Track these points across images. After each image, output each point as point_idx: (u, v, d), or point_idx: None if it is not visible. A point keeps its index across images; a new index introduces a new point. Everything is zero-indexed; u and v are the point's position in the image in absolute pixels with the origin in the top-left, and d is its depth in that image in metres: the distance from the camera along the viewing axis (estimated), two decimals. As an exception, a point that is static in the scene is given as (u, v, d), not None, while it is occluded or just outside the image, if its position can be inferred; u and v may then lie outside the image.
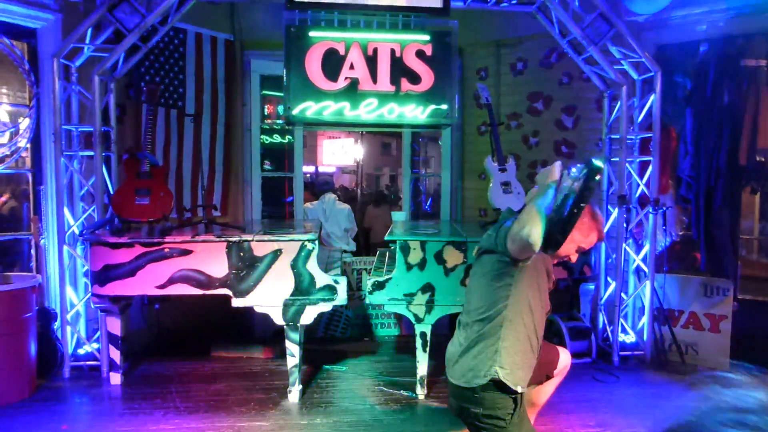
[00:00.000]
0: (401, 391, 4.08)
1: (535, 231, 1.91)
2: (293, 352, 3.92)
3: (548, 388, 2.88)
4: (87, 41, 4.28)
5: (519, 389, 2.18)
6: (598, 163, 1.93)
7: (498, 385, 2.16)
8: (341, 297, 3.90)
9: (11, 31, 4.28)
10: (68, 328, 4.33)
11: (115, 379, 4.16)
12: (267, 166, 6.30)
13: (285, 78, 4.42)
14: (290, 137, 6.34)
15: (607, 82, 4.80)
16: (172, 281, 3.82)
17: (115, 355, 4.15)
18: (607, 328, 4.89)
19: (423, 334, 3.95)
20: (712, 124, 4.73)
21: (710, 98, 4.72)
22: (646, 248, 4.73)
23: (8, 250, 4.50)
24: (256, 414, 3.69)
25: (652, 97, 4.61)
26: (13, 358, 3.83)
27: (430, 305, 3.92)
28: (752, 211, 5.37)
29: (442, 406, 3.85)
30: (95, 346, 4.41)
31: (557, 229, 1.99)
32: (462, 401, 2.24)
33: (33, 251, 4.49)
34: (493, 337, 2.19)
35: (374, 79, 4.43)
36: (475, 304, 2.28)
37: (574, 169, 2.04)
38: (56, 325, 4.34)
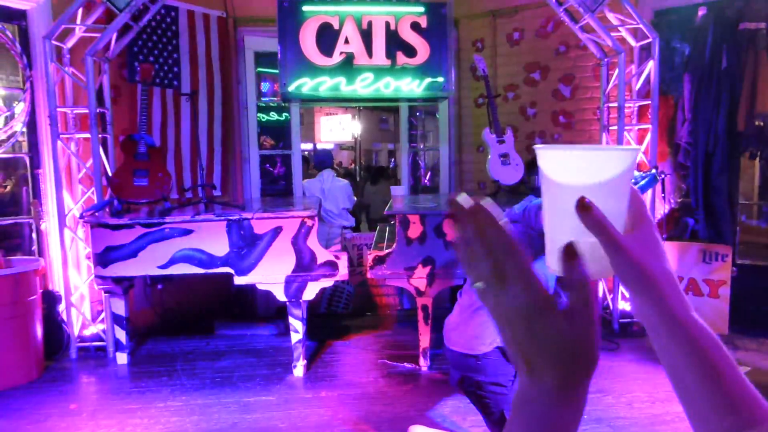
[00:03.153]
0: (404, 364, 4.14)
1: None
2: (296, 327, 3.96)
3: None
4: (78, 21, 4.23)
5: None
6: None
7: (502, 352, 2.19)
8: (342, 272, 3.93)
9: (1, 13, 4.23)
10: (73, 310, 4.37)
11: (122, 358, 4.22)
12: (266, 143, 6.28)
13: (280, 54, 4.39)
14: (287, 114, 6.31)
15: (605, 50, 4.76)
16: (173, 261, 3.84)
17: (121, 335, 4.20)
18: (607, 296, 4.94)
19: (425, 307, 3.99)
20: (711, 89, 4.70)
21: (708, 63, 4.68)
22: (645, 216, 4.74)
23: (9, 234, 4.52)
24: (261, 389, 3.74)
25: (650, 64, 4.57)
26: (20, 340, 3.88)
27: (431, 278, 3.95)
28: (751, 176, 5.37)
29: (444, 377, 3.90)
30: (100, 326, 4.46)
31: None
32: (464, 369, 2.27)
33: (34, 235, 4.50)
34: None
35: (369, 53, 4.40)
36: None
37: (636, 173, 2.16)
38: (61, 307, 4.38)
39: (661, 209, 4.97)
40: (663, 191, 4.80)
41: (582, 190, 0.53)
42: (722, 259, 4.53)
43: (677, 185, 5.06)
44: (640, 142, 4.75)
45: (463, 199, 0.50)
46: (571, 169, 0.54)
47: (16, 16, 4.37)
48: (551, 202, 0.57)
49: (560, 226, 0.56)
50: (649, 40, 4.52)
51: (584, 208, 0.52)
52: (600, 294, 4.94)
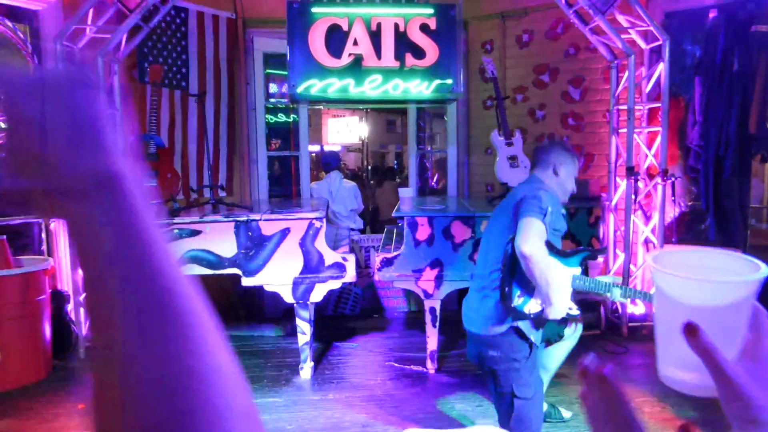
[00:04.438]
0: (412, 366, 4.12)
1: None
2: (304, 329, 3.95)
3: (558, 351, 2.94)
4: (89, 22, 4.25)
5: (533, 339, 2.39)
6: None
7: (517, 332, 2.37)
8: (350, 274, 3.92)
9: (13, 13, 4.26)
10: (81, 310, 4.38)
11: (129, 358, 4.22)
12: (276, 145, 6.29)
13: (288, 56, 4.39)
14: (295, 116, 6.31)
15: (615, 52, 4.74)
16: (181, 261, 3.84)
17: (129, 335, 4.20)
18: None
19: (432, 310, 3.97)
20: (722, 92, 4.66)
21: (720, 66, 4.65)
22: (655, 219, 4.71)
23: (19, 234, 4.53)
24: (269, 390, 3.74)
25: (660, 66, 4.55)
26: (29, 340, 3.89)
27: (438, 281, 3.93)
28: (761, 179, 5.32)
29: (452, 379, 3.89)
30: (108, 327, 4.46)
31: None
32: (482, 346, 2.43)
33: (44, 235, 4.52)
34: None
35: (378, 55, 4.39)
36: (493, 255, 2.46)
37: None
38: (70, 306, 4.39)
39: (671, 213, 4.94)
40: (673, 194, 4.77)
41: (696, 311, 0.51)
42: (733, 263, 4.49)
43: (687, 188, 5.02)
44: (650, 144, 4.72)
45: (592, 362, 0.53)
46: (686, 290, 0.53)
47: (28, 17, 4.39)
48: (663, 312, 0.56)
49: (671, 341, 0.55)
50: (660, 42, 4.49)
51: (691, 332, 0.49)
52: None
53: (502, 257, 2.38)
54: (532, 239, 2.22)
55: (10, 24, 4.17)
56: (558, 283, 2.31)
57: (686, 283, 0.54)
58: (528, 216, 2.27)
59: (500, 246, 2.41)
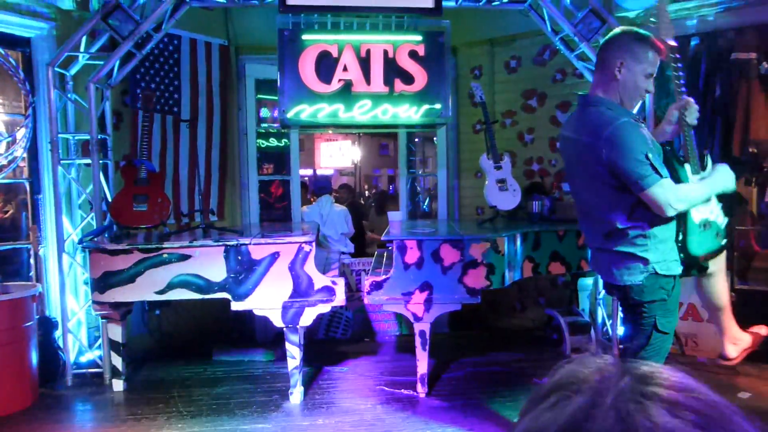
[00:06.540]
0: (402, 390, 4.10)
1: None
2: (293, 354, 3.93)
3: (718, 286, 2.70)
4: (81, 49, 4.30)
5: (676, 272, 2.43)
6: None
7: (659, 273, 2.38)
8: (339, 298, 3.91)
9: (5, 40, 4.29)
10: (70, 336, 4.34)
11: (118, 385, 4.18)
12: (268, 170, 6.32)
13: (279, 81, 4.44)
14: (287, 140, 6.37)
15: (600, 78, 4.82)
16: (171, 286, 3.83)
17: (117, 361, 4.16)
18: (607, 322, 4.92)
19: (422, 333, 3.97)
20: (705, 117, 4.75)
21: (702, 92, 4.75)
22: (643, 242, 4.75)
23: (7, 259, 4.51)
24: (258, 416, 3.71)
25: (644, 92, 4.63)
26: (15, 367, 3.84)
27: (428, 304, 3.93)
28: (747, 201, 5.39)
29: (443, 403, 3.87)
30: (97, 353, 4.43)
31: None
32: (625, 288, 2.42)
33: (32, 260, 4.50)
34: None
35: (368, 81, 4.45)
36: (604, 215, 2.48)
37: None
38: (57, 333, 4.36)
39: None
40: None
41: None
42: (720, 285, 4.52)
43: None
44: (636, 168, 4.79)
45: None
46: None
47: (20, 44, 4.43)
48: None
49: None
50: (644, 68, 4.58)
51: None
52: (600, 320, 4.93)
53: (629, 222, 2.30)
54: (668, 201, 2.16)
55: (2, 51, 4.20)
56: (698, 194, 2.30)
57: None
58: (646, 190, 2.15)
59: (606, 203, 2.36)
